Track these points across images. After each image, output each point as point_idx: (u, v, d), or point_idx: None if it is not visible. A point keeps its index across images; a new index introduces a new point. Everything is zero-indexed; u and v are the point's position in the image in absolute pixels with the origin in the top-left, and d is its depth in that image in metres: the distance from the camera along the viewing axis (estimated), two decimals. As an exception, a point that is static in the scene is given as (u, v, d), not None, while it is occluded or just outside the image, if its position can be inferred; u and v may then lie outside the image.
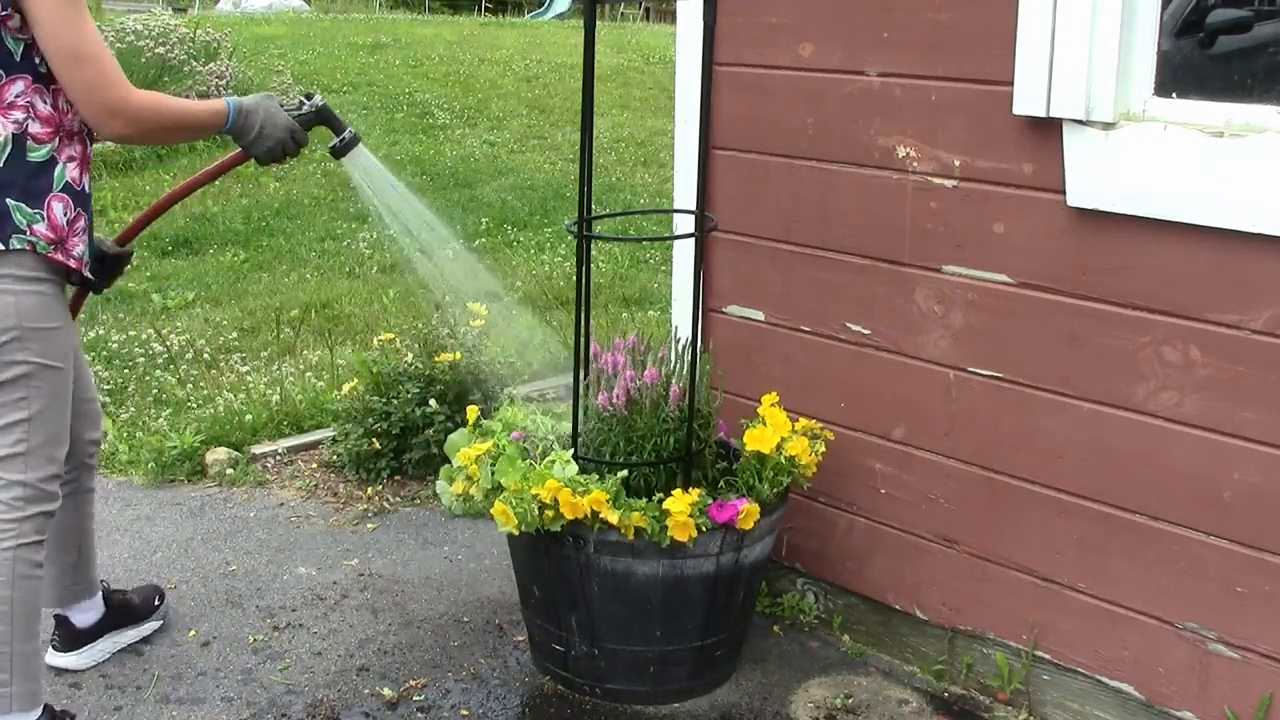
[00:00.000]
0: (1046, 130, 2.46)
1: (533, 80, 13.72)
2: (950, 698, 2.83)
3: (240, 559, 3.48)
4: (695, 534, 2.58)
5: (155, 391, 4.71)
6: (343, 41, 14.84)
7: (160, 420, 4.38)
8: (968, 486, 2.74)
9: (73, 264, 2.38)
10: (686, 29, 3.01)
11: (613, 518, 2.57)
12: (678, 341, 2.85)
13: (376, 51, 14.51)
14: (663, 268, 6.89)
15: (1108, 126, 2.37)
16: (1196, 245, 2.31)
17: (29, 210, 2.31)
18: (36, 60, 2.30)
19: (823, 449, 2.82)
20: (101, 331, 5.41)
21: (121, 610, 2.99)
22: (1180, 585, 2.45)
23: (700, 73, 2.87)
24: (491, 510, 2.66)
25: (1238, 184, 2.23)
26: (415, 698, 2.82)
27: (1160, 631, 2.49)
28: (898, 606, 2.94)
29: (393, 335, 4.38)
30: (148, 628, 3.05)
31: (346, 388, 4.10)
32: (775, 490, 2.74)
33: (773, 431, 2.73)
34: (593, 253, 2.77)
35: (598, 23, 2.60)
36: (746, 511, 2.61)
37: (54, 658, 2.88)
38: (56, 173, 2.36)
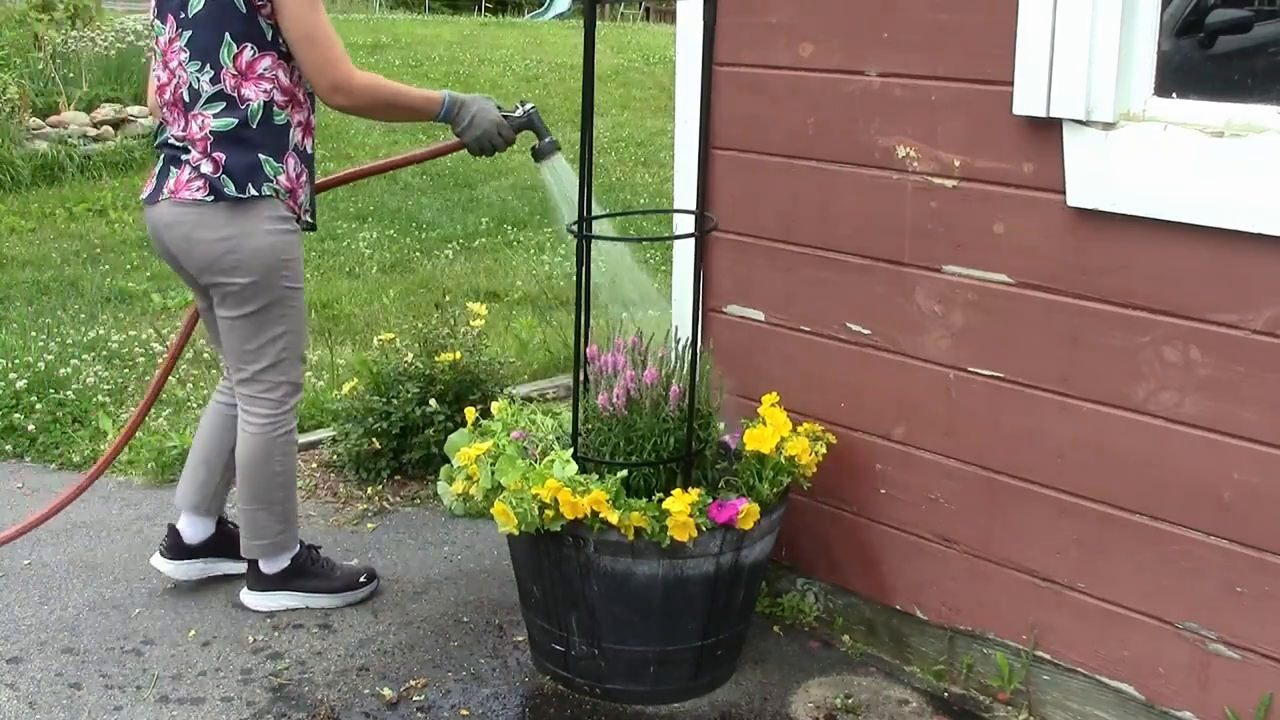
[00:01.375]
0: (1046, 130, 2.46)
1: (533, 80, 13.72)
2: (950, 698, 2.83)
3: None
4: (695, 534, 2.58)
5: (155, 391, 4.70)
6: (343, 41, 14.83)
7: (160, 420, 4.38)
8: (968, 486, 2.74)
9: (297, 209, 2.91)
10: (686, 29, 3.01)
11: (613, 517, 2.57)
12: (678, 341, 2.85)
13: (376, 51, 14.50)
14: (663, 268, 6.88)
15: (1108, 126, 2.37)
16: (1196, 245, 2.31)
17: (275, 164, 2.84)
18: (280, 41, 2.79)
19: (823, 449, 2.82)
20: (101, 331, 5.41)
21: (229, 541, 3.23)
22: (1180, 585, 2.45)
23: (700, 73, 2.87)
24: (491, 510, 2.66)
25: (1238, 184, 2.23)
26: (415, 698, 2.82)
27: (1160, 631, 2.49)
28: (898, 606, 2.94)
29: (393, 335, 4.38)
30: (229, 566, 3.29)
31: (346, 388, 4.10)
32: (775, 490, 2.74)
33: (773, 431, 2.73)
34: (593, 253, 2.77)
35: (598, 23, 2.60)
36: (746, 511, 2.61)
37: (155, 560, 3.24)
38: (291, 135, 2.88)
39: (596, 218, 2.94)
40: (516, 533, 2.62)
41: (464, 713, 2.77)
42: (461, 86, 13.13)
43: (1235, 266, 2.27)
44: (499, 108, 2.99)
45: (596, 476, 2.67)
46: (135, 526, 3.69)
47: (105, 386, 4.67)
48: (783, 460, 2.73)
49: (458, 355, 4.01)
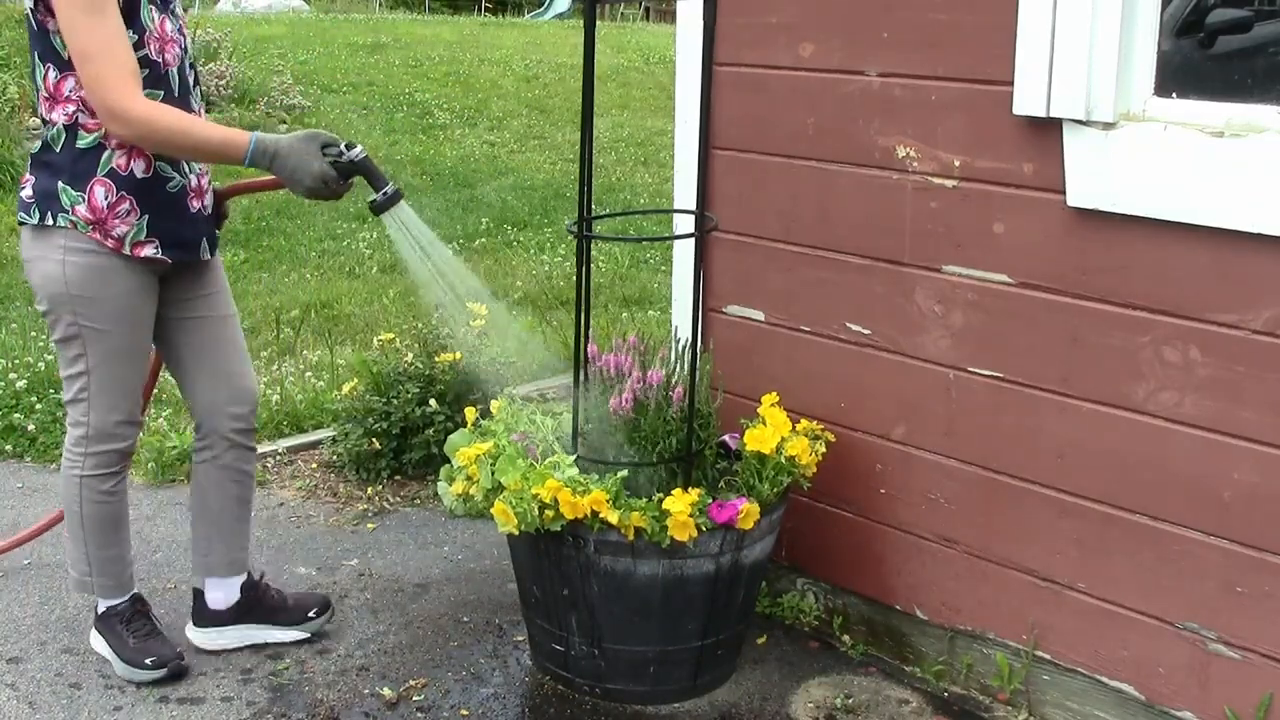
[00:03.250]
0: (1046, 130, 2.46)
1: (533, 80, 13.73)
2: (950, 698, 2.83)
3: (240, 559, 3.47)
4: (695, 534, 2.58)
5: (155, 392, 4.70)
6: (343, 41, 14.84)
7: (160, 420, 4.38)
8: (968, 486, 2.74)
9: (109, 244, 2.61)
10: (686, 29, 3.01)
11: (612, 518, 2.57)
12: (678, 342, 2.85)
13: (376, 51, 14.51)
14: (663, 268, 6.89)
15: (1108, 126, 2.37)
16: (1196, 245, 2.31)
17: (73, 193, 2.58)
18: None
19: (823, 449, 2.82)
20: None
21: (256, 604, 3.01)
22: (1180, 585, 2.45)
23: (700, 73, 2.87)
24: (491, 510, 2.66)
25: (1238, 184, 2.23)
26: (415, 698, 2.82)
27: (1160, 631, 2.49)
28: (898, 606, 2.94)
29: (393, 335, 4.38)
30: (288, 635, 3.02)
31: (346, 388, 4.10)
32: (775, 490, 2.74)
33: (773, 431, 2.73)
34: (593, 253, 2.76)
35: (598, 23, 2.60)
36: (746, 511, 2.61)
37: (188, 631, 3.01)
38: (103, 159, 2.58)
39: (597, 218, 2.94)
40: (516, 533, 2.63)
41: (464, 713, 2.77)
42: (461, 87, 13.12)
43: (1235, 266, 2.28)
44: (327, 147, 2.59)
45: (596, 476, 2.67)
46: (135, 526, 3.68)
47: (105, 386, 4.66)
48: (783, 460, 2.73)
49: (458, 355, 4.01)
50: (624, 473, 2.66)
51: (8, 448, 4.25)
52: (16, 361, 4.78)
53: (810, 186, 2.89)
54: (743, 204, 3.02)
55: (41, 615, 3.16)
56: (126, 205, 2.60)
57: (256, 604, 3.01)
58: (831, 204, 2.86)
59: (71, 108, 2.56)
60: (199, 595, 2.99)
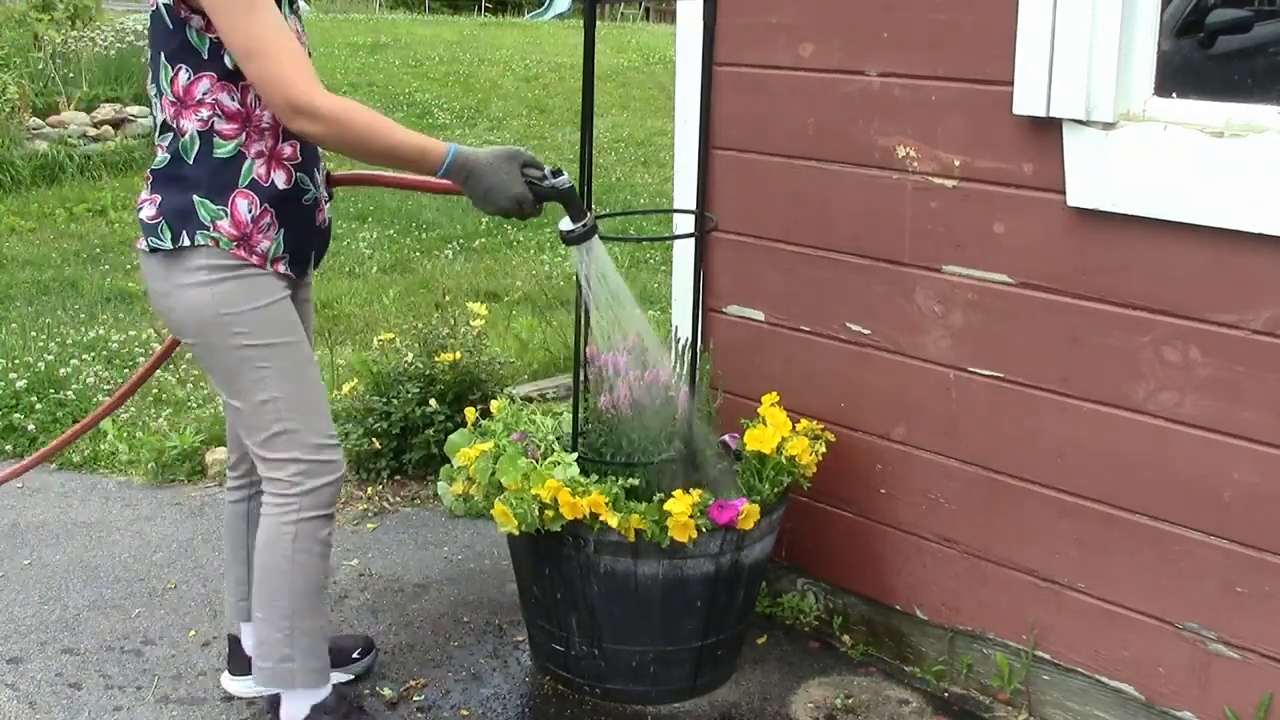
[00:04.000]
0: (1046, 130, 2.46)
1: (533, 80, 13.72)
2: (950, 698, 2.83)
3: (240, 559, 3.48)
4: (695, 535, 2.58)
5: (155, 391, 4.72)
6: (343, 41, 14.84)
7: (160, 420, 4.39)
8: (968, 486, 2.75)
9: (255, 260, 2.36)
10: (686, 29, 3.01)
11: (612, 520, 2.56)
12: (678, 341, 2.85)
13: (376, 51, 14.51)
14: (663, 268, 6.89)
15: (1108, 126, 2.37)
16: (1196, 245, 2.31)
17: (213, 207, 2.32)
18: (224, 56, 2.27)
19: (823, 449, 2.82)
20: (101, 331, 5.41)
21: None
22: (1180, 585, 2.45)
23: (700, 73, 2.87)
24: (491, 510, 2.66)
25: (1238, 184, 2.23)
26: (415, 698, 2.82)
27: (1160, 631, 2.49)
28: (898, 606, 2.94)
29: (393, 335, 4.38)
30: (334, 676, 2.68)
31: (346, 388, 4.10)
32: (775, 490, 2.74)
33: (773, 431, 2.73)
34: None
35: (598, 23, 2.60)
36: (746, 512, 2.61)
37: (224, 680, 2.82)
38: (244, 169, 2.34)
39: (597, 218, 2.94)
40: (516, 533, 2.63)
41: (464, 713, 2.77)
42: (461, 87, 13.12)
43: (1235, 266, 2.28)
44: (528, 168, 2.38)
45: (597, 477, 2.67)
46: (135, 527, 3.69)
47: (105, 386, 4.67)
48: (783, 460, 2.73)
49: (458, 355, 4.01)
50: (635, 479, 2.65)
51: (8, 448, 4.25)
52: (16, 361, 4.78)
53: (810, 186, 2.89)
54: (743, 204, 3.02)
55: (41, 615, 3.17)
56: (268, 219, 2.36)
57: None
58: (831, 204, 2.86)
59: (206, 112, 2.30)
60: (235, 642, 2.78)
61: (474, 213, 8.24)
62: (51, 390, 4.52)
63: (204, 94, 2.29)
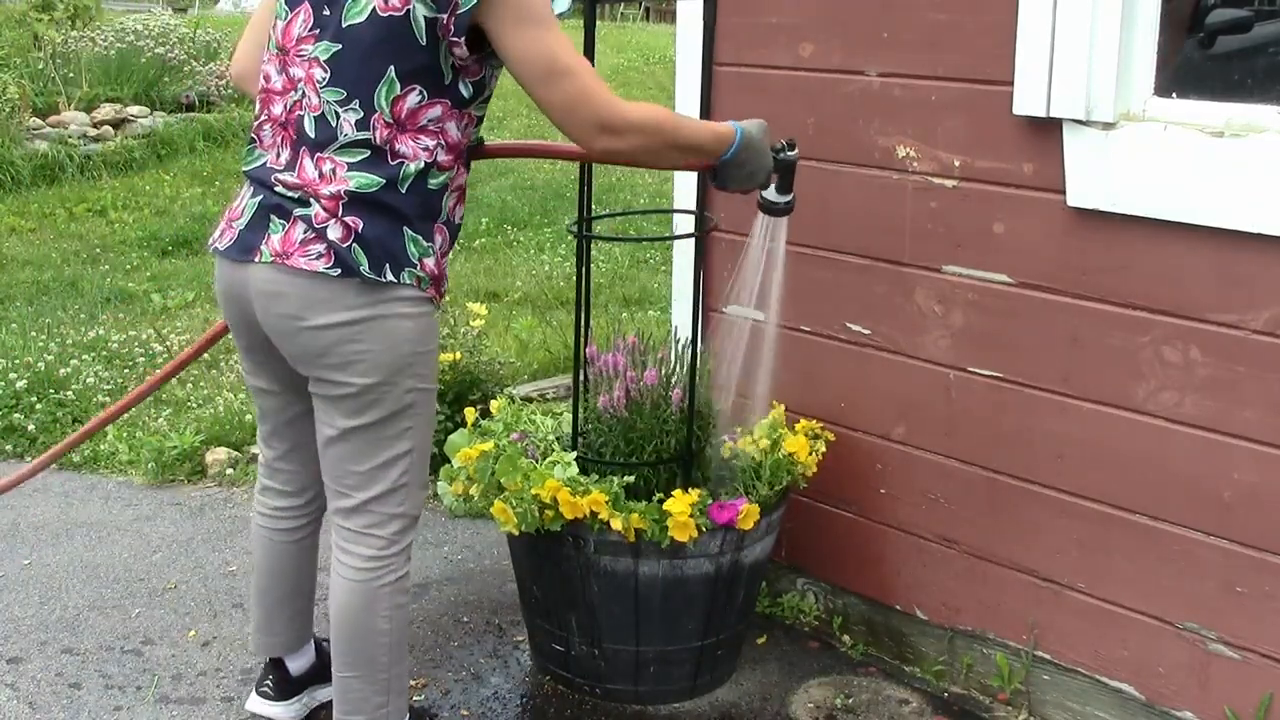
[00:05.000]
0: (1046, 130, 2.46)
1: (533, 80, 13.70)
2: (950, 698, 2.83)
3: (240, 559, 3.48)
4: (695, 534, 2.58)
5: (156, 391, 4.71)
6: (343, 41, 14.79)
7: (160, 420, 4.38)
8: (968, 486, 2.74)
9: (439, 297, 2.24)
10: (686, 29, 3.01)
11: (616, 524, 2.56)
12: (678, 342, 2.85)
13: (376, 51, 14.47)
14: (663, 268, 6.88)
15: (1108, 126, 2.37)
16: (1196, 245, 2.31)
17: (424, 243, 2.16)
18: (461, 85, 2.12)
19: (823, 449, 2.81)
20: (101, 332, 5.41)
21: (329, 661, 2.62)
22: (1180, 585, 2.45)
23: (700, 73, 2.87)
24: (491, 509, 2.67)
25: (1238, 184, 2.23)
26: (415, 698, 2.82)
27: (1160, 631, 2.49)
28: (898, 606, 2.94)
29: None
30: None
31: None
32: (775, 490, 2.74)
33: (771, 427, 2.73)
34: (593, 253, 2.75)
35: (598, 23, 2.60)
36: (746, 512, 2.61)
37: (261, 706, 2.66)
38: (445, 202, 2.19)
39: (597, 218, 2.94)
40: (516, 532, 2.63)
41: (464, 713, 2.77)
42: (461, 86, 13.10)
43: (1235, 266, 2.27)
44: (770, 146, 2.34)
45: (597, 477, 2.67)
46: (135, 527, 3.69)
47: (105, 387, 4.67)
48: (782, 460, 2.73)
49: (458, 355, 4.01)
50: (630, 478, 2.65)
51: (8, 448, 4.25)
52: (16, 361, 4.78)
53: (810, 186, 2.88)
54: (743, 204, 3.02)
55: (41, 615, 3.16)
56: (449, 254, 2.26)
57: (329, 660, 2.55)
58: (832, 204, 2.86)
59: (430, 141, 2.10)
60: (280, 667, 2.66)
61: (474, 213, 8.25)
62: (51, 390, 4.52)
63: (430, 121, 2.10)
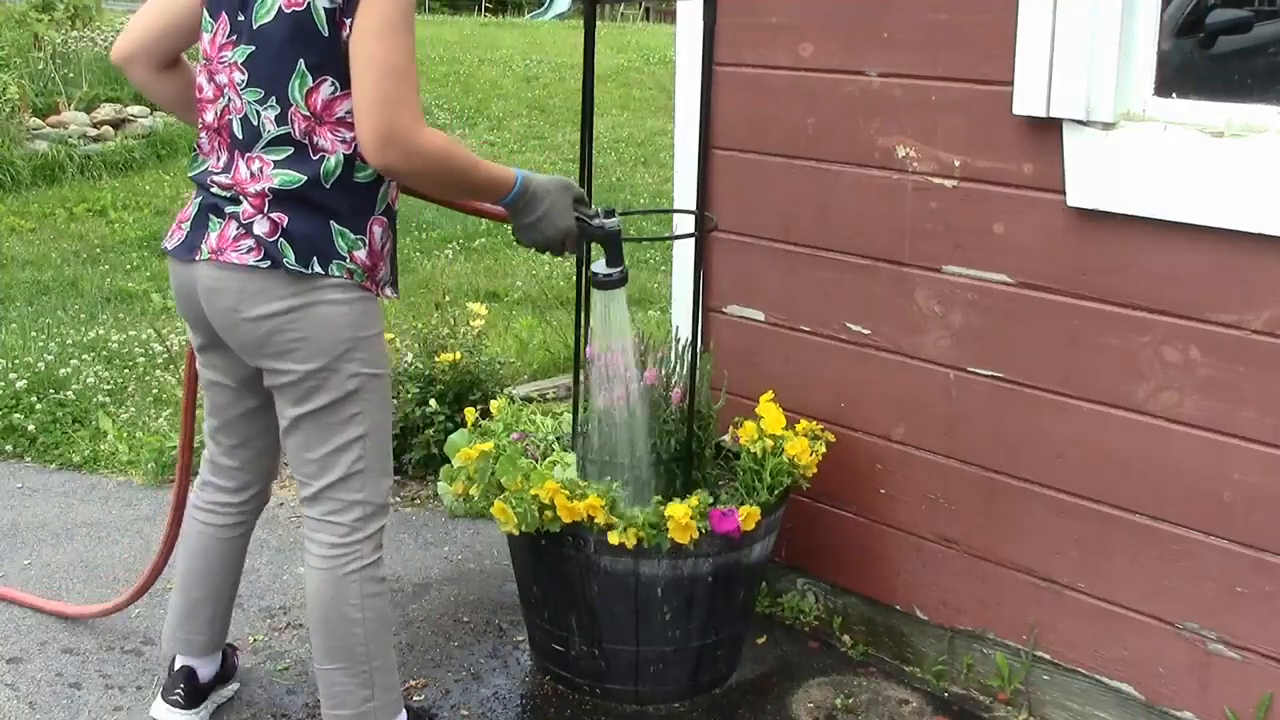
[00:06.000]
0: (1046, 130, 2.46)
1: (533, 80, 13.73)
2: (950, 698, 2.83)
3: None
4: (696, 535, 2.58)
5: (155, 391, 4.71)
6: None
7: (160, 420, 4.38)
8: (968, 486, 2.74)
9: (376, 287, 2.26)
10: (686, 29, 3.01)
11: (614, 538, 2.55)
12: (678, 341, 2.85)
13: (376, 51, 14.46)
14: (663, 268, 6.89)
15: (1108, 126, 2.37)
16: (1196, 245, 2.31)
17: (352, 236, 2.19)
18: None
19: (823, 450, 2.81)
20: (101, 331, 5.41)
21: (229, 665, 2.79)
22: (1180, 585, 2.45)
23: (700, 73, 2.87)
24: (491, 509, 2.66)
25: (1238, 184, 2.23)
26: (415, 698, 2.82)
27: (1160, 631, 2.49)
28: (898, 606, 2.94)
29: (393, 335, 4.38)
30: (230, 688, 2.80)
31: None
32: (775, 491, 2.74)
33: (768, 425, 2.73)
34: (593, 253, 2.75)
35: (598, 23, 2.60)
36: (747, 514, 2.61)
37: (168, 713, 2.63)
38: (380, 195, 2.22)
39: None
40: (516, 532, 2.63)
41: (464, 713, 2.77)
42: (461, 87, 13.11)
43: (1235, 266, 2.28)
44: (579, 203, 2.33)
45: (596, 477, 2.66)
46: (135, 527, 3.69)
47: (105, 386, 4.67)
48: (783, 461, 2.73)
49: (458, 355, 4.01)
50: (620, 481, 2.65)
51: (8, 448, 4.25)
52: (16, 361, 4.78)
53: (810, 186, 2.89)
54: (743, 204, 3.02)
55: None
56: (389, 243, 2.28)
57: (229, 664, 2.78)
58: (831, 204, 2.86)
59: (349, 134, 2.12)
60: (190, 675, 2.65)
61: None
62: (51, 390, 4.52)
63: (346, 113, 2.12)
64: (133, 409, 4.52)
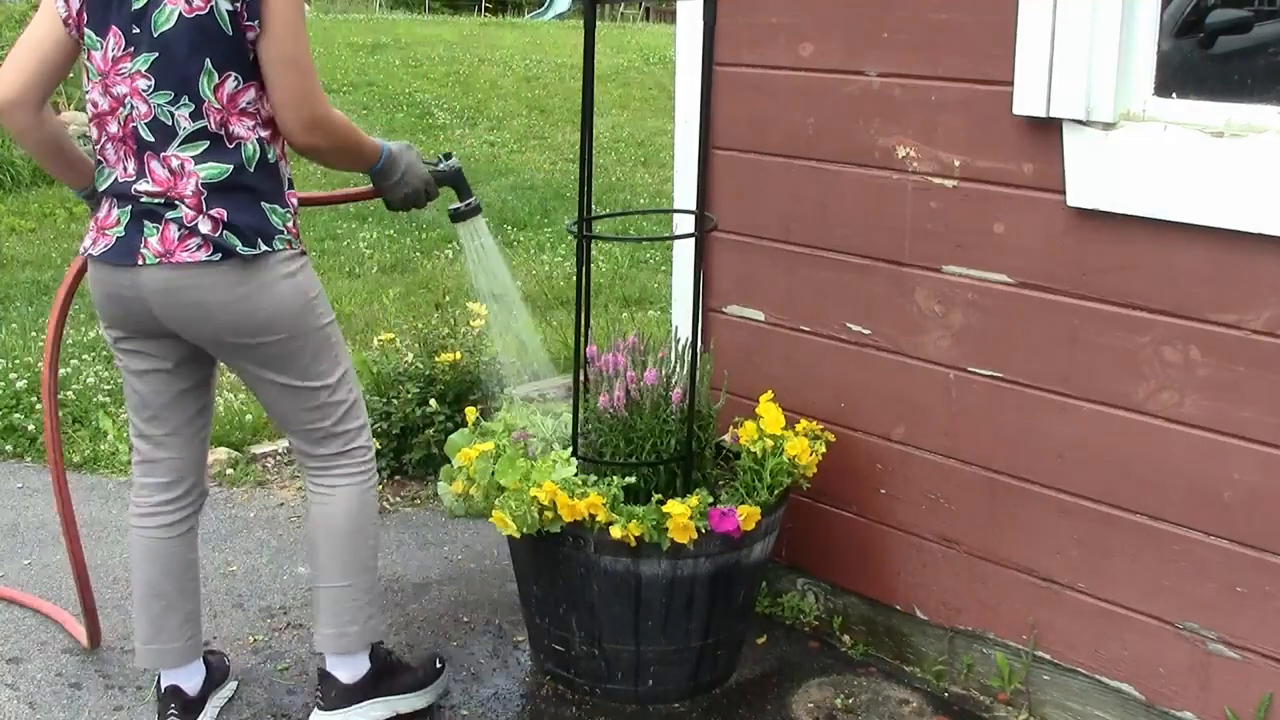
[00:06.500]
0: (1046, 130, 2.46)
1: (533, 80, 13.73)
2: (950, 698, 2.83)
3: (240, 559, 3.48)
4: (695, 535, 2.58)
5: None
6: (343, 41, 14.84)
7: (160, 420, 4.38)
8: (968, 486, 2.74)
9: (302, 248, 2.48)
10: (686, 29, 3.01)
11: (615, 533, 2.56)
12: (678, 342, 2.85)
13: (376, 51, 14.51)
14: (663, 268, 6.89)
15: (1108, 126, 2.37)
16: (1196, 245, 2.31)
17: (280, 211, 2.40)
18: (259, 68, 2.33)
19: (823, 449, 2.82)
20: (101, 331, 5.41)
21: (218, 668, 2.81)
22: (1180, 585, 2.45)
23: (700, 73, 2.87)
24: (491, 518, 2.67)
25: (1238, 184, 2.23)
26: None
27: (1160, 631, 2.49)
28: (898, 606, 2.94)
29: (393, 335, 4.38)
30: (229, 687, 2.83)
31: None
32: (775, 491, 2.74)
33: (767, 425, 2.73)
34: (593, 253, 2.76)
35: (598, 23, 2.60)
36: (747, 514, 2.61)
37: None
38: (284, 171, 2.44)
39: (597, 218, 2.94)
40: (517, 535, 2.63)
41: (464, 713, 2.77)
42: (461, 87, 13.12)
43: (1235, 266, 2.28)
44: (423, 160, 2.67)
45: (596, 477, 2.67)
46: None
47: (105, 386, 4.67)
48: (783, 461, 2.73)
49: (458, 355, 4.01)
50: (630, 478, 2.65)
51: (8, 448, 4.25)
52: (16, 361, 4.78)
53: (810, 186, 2.89)
54: (743, 204, 3.02)
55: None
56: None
57: (217, 668, 2.80)
58: (831, 204, 2.86)
59: (251, 121, 2.33)
60: (177, 693, 2.68)
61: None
62: (51, 390, 4.51)
63: (249, 103, 2.32)
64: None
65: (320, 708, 2.62)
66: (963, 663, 2.84)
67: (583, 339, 2.80)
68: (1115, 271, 2.44)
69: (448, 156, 2.76)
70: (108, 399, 4.55)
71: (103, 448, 4.19)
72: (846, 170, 2.81)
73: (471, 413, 2.99)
